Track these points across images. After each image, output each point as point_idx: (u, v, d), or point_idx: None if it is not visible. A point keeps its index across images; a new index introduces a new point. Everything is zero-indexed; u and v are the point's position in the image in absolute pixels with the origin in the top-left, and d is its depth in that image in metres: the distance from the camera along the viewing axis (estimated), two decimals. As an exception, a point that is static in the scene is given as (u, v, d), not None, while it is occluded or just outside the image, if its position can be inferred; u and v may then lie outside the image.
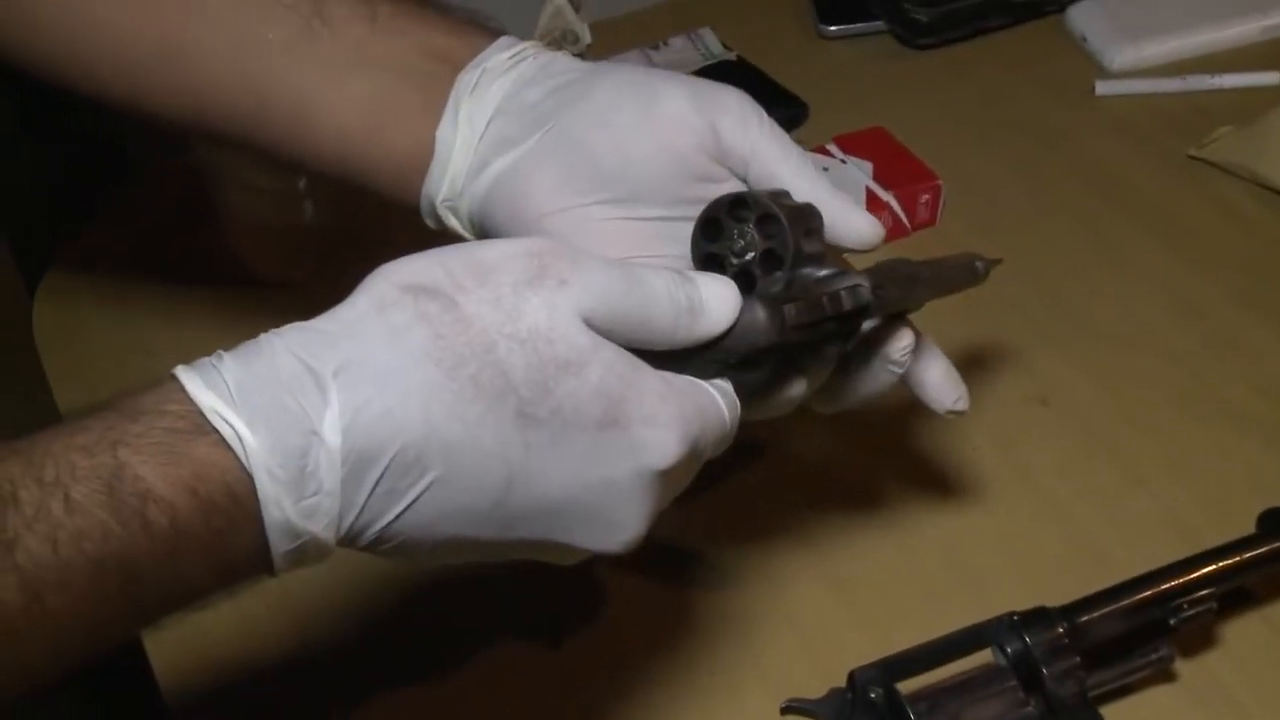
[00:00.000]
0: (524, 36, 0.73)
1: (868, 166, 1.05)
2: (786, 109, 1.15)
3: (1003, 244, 1.02)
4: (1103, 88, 1.15)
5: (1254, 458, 0.86)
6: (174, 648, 0.79)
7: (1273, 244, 1.02)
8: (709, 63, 1.19)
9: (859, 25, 1.24)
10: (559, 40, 1.16)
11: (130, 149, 1.19)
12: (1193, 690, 0.75)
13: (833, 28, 1.24)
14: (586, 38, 1.19)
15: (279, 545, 0.52)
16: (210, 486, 0.50)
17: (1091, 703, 0.70)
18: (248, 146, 0.75)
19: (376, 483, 0.52)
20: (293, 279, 1.05)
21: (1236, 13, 1.19)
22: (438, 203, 0.71)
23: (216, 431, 0.50)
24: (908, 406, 0.90)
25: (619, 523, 0.57)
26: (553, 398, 0.54)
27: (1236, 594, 0.77)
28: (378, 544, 0.54)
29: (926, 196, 1.04)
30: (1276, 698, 0.74)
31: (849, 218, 0.68)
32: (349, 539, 0.54)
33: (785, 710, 0.70)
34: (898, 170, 1.04)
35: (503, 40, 0.72)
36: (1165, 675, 0.75)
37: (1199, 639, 0.76)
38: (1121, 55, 1.17)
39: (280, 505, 0.51)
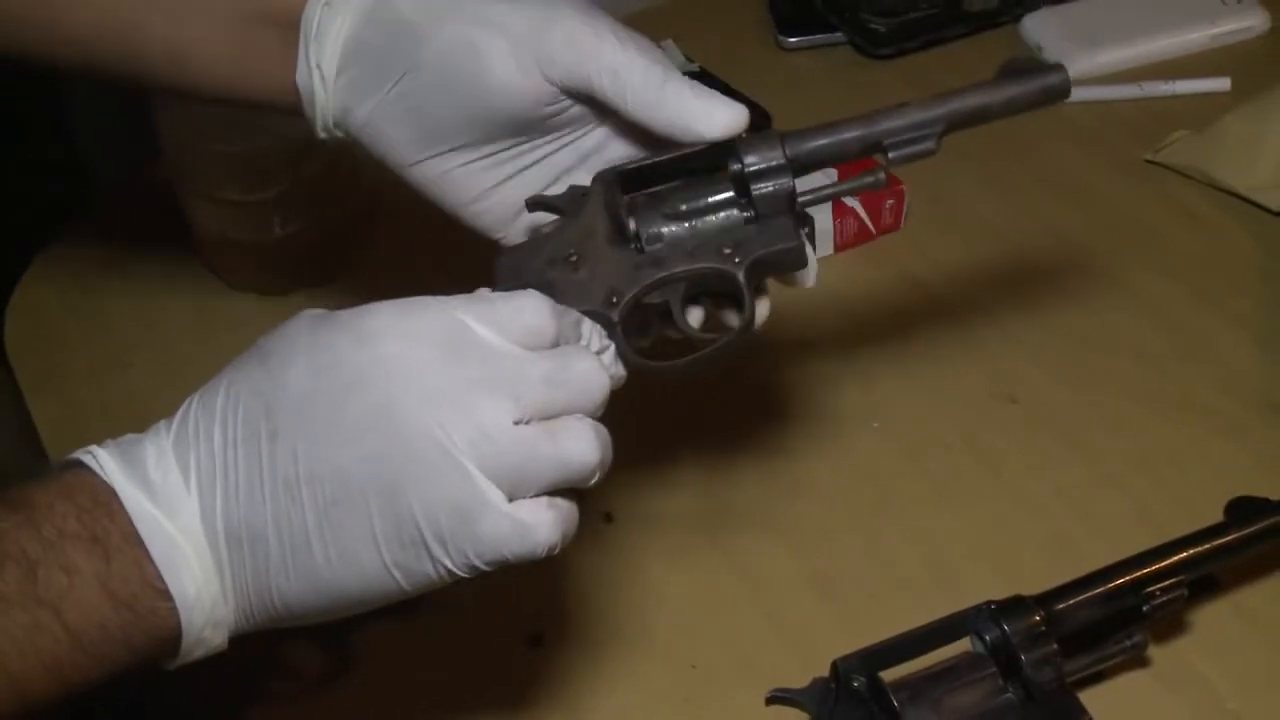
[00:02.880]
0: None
1: (832, 173, 1.06)
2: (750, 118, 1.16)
3: (967, 247, 1.05)
4: (1060, 95, 1.17)
5: (1218, 451, 0.88)
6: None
7: (1229, 244, 1.04)
8: (672, 74, 1.20)
9: (818, 36, 1.26)
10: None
11: (92, 168, 1.20)
12: (1165, 675, 0.76)
13: (793, 39, 1.26)
14: (551, 50, 1.19)
15: (146, 530, 0.58)
16: (81, 496, 0.58)
17: (1069, 688, 0.71)
18: (138, 89, 0.79)
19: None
20: (264, 289, 1.05)
21: (1186, 21, 1.21)
22: (321, 133, 0.74)
23: (82, 463, 0.59)
24: (882, 402, 0.91)
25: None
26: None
27: (1205, 582, 0.78)
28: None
29: (891, 202, 1.05)
30: (1245, 680, 0.76)
31: (696, 106, 0.67)
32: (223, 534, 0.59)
33: (770, 700, 0.71)
34: (862, 176, 1.06)
35: None
36: (1139, 661, 0.76)
37: (1171, 626, 0.78)
38: (1076, 63, 1.19)
39: (140, 503, 0.58)
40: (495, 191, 0.73)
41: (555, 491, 0.60)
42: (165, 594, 0.58)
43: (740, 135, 0.67)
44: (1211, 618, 0.79)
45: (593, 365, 0.61)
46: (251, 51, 0.73)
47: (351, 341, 0.59)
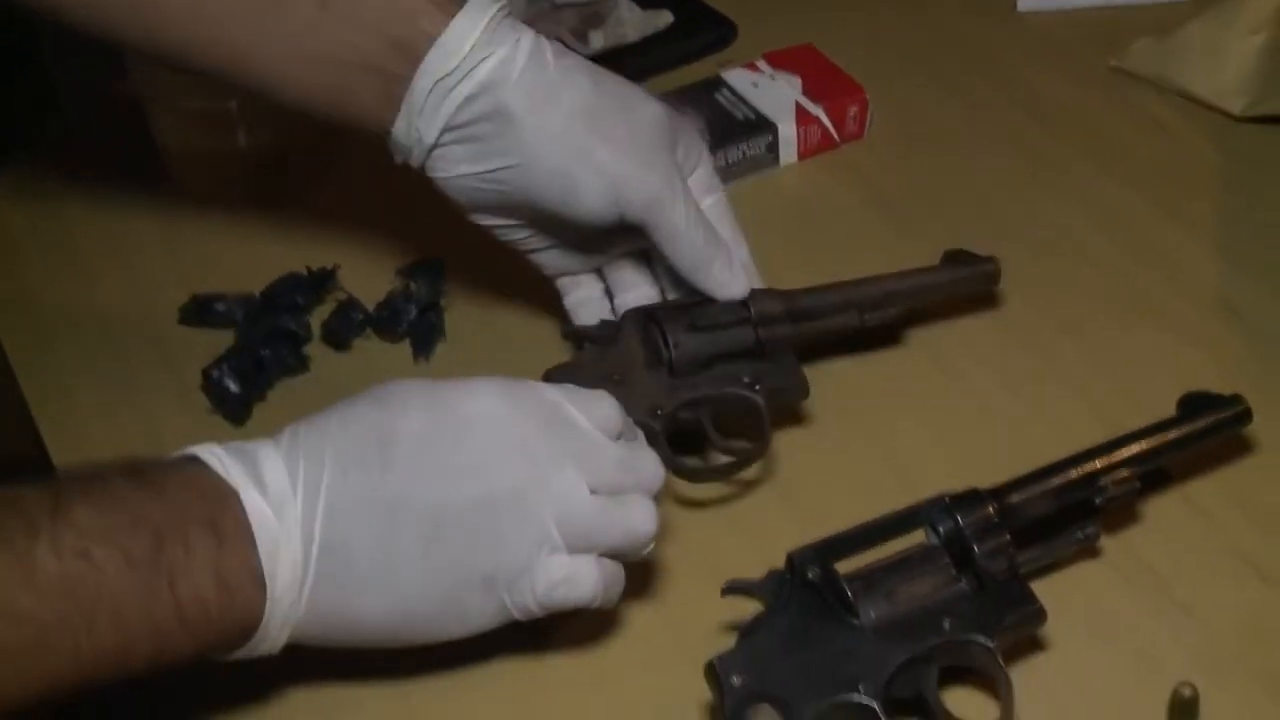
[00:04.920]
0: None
1: (796, 81, 1.06)
2: (715, 29, 1.16)
3: (931, 157, 1.06)
4: (1025, 3, 1.17)
5: (1176, 352, 0.89)
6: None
7: (1191, 151, 1.04)
8: (639, -14, 1.20)
9: (786, -53, 1.25)
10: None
11: (56, 78, 1.18)
12: (1117, 565, 0.77)
13: (760, -51, 1.25)
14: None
15: (257, 523, 0.65)
16: (203, 483, 0.65)
17: (1021, 578, 0.72)
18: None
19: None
20: (230, 201, 1.05)
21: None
22: (399, 160, 0.83)
23: (200, 460, 0.66)
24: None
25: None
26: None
27: (1157, 475, 0.79)
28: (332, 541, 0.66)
29: (854, 109, 1.05)
30: (1194, 569, 0.77)
31: (722, 276, 0.82)
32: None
33: (726, 591, 0.71)
34: (826, 85, 1.06)
35: (451, 36, 0.78)
36: (1091, 552, 0.77)
37: (1123, 518, 0.79)
38: (1040, -27, 1.19)
39: (253, 497, 0.65)
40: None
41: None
42: (262, 585, 0.65)
43: (752, 291, 0.83)
44: (1163, 510, 0.80)
45: (655, 458, 0.72)
46: (347, 93, 0.80)
47: (466, 397, 0.69)
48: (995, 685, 0.70)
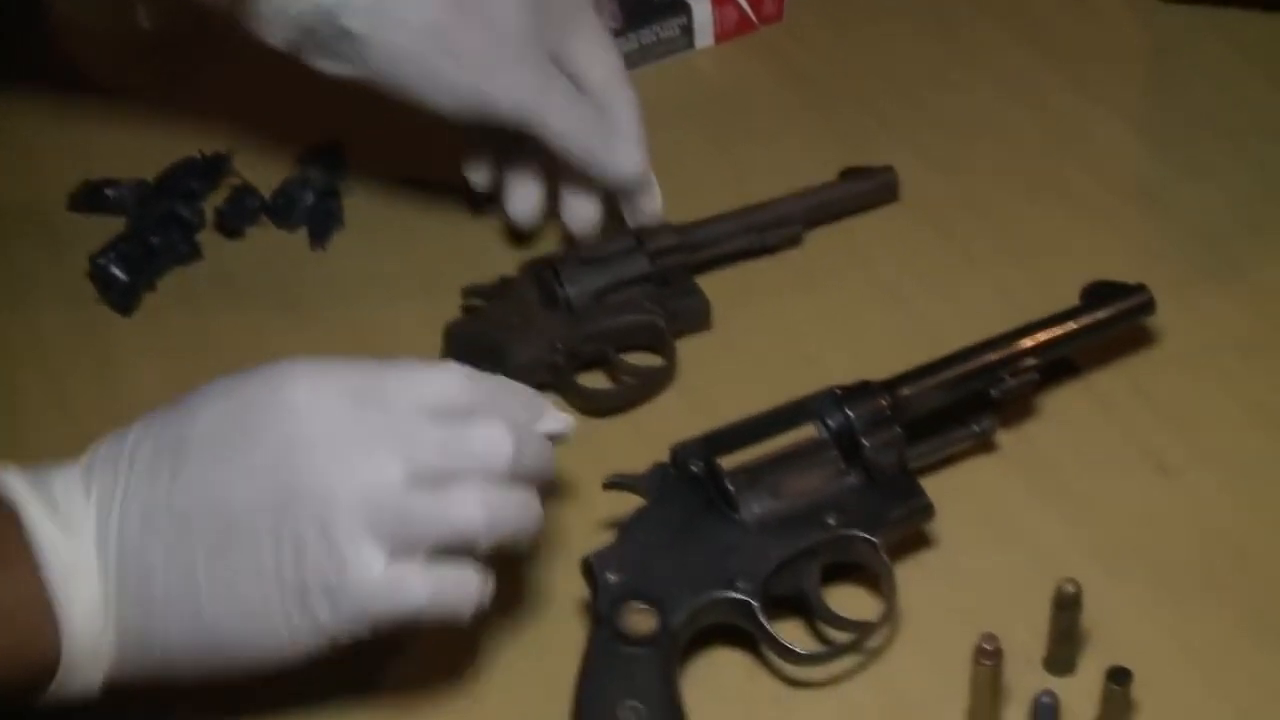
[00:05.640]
0: None
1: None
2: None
3: (851, 38, 1.03)
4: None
5: (1086, 237, 0.87)
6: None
7: (1117, 33, 1.01)
8: None
9: None
10: None
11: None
12: (1014, 459, 0.76)
13: None
14: None
15: (42, 546, 0.59)
16: None
17: (910, 472, 0.70)
18: None
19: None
20: (128, 84, 1.02)
21: None
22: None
23: None
24: (752, 195, 0.89)
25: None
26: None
27: (1060, 366, 0.78)
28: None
29: (773, -10, 1.02)
30: (1093, 462, 0.75)
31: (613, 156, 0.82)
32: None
33: (607, 485, 0.70)
34: (743, -36, 1.03)
35: None
36: (988, 446, 0.75)
37: (1022, 410, 0.77)
38: None
39: (41, 519, 0.60)
40: None
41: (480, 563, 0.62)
42: (51, 614, 0.59)
43: (644, 228, 0.84)
44: (1063, 402, 0.78)
45: (496, 432, 0.62)
46: None
47: (264, 388, 0.62)
48: (879, 582, 0.68)
